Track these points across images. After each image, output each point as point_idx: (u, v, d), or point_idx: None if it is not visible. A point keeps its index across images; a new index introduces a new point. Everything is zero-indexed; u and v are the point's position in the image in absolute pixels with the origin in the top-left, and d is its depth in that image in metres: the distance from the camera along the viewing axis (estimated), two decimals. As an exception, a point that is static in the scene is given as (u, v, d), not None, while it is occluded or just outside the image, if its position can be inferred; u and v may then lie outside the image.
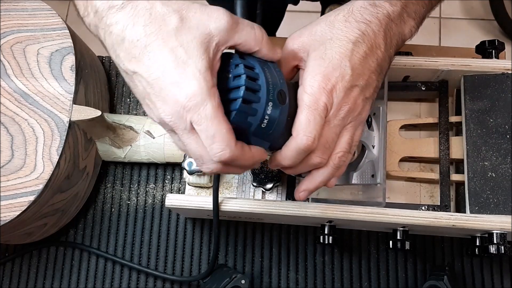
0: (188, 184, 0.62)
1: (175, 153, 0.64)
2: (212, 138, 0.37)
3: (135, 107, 0.72)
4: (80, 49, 0.63)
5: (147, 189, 0.69)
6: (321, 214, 0.55)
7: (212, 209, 0.56)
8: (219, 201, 0.56)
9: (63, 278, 0.67)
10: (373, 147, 0.55)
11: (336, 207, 0.55)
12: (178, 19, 0.37)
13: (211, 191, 0.63)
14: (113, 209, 0.69)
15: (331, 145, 0.43)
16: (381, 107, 0.56)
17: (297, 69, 0.45)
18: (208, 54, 0.37)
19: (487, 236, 0.55)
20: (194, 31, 0.37)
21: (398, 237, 0.57)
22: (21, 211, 0.55)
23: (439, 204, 0.58)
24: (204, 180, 0.60)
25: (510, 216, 0.53)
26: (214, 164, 0.39)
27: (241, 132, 0.39)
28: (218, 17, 0.38)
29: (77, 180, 0.62)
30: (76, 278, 0.66)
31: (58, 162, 0.57)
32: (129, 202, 0.69)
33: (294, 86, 0.43)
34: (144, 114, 0.72)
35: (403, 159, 0.62)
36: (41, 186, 0.56)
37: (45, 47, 0.61)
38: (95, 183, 0.68)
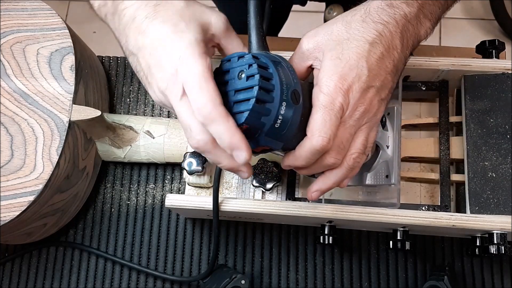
0: (188, 184, 0.62)
1: (175, 153, 0.64)
2: (198, 94, 0.38)
3: (135, 107, 0.72)
4: (80, 49, 0.63)
5: (147, 189, 0.69)
6: (321, 214, 0.55)
7: (212, 209, 0.56)
8: (219, 201, 0.56)
9: (63, 278, 0.67)
10: (388, 147, 0.54)
11: (336, 207, 0.55)
12: (185, 3, 0.42)
13: (211, 191, 0.63)
14: (113, 209, 0.69)
15: (346, 146, 0.43)
16: (395, 107, 0.55)
17: (311, 69, 0.45)
18: (204, 34, 0.42)
19: (487, 236, 0.54)
20: (197, 14, 0.42)
21: (398, 237, 0.56)
22: (21, 211, 0.55)
23: (439, 204, 0.58)
24: (204, 180, 0.60)
25: (510, 216, 0.53)
26: (201, 134, 0.39)
27: (254, 132, 0.39)
28: (220, 16, 0.43)
29: (77, 180, 0.62)
30: (76, 278, 0.66)
31: (58, 162, 0.57)
32: (129, 202, 0.69)
33: (307, 86, 0.43)
34: (144, 114, 0.72)
35: (403, 159, 0.62)
36: (40, 186, 0.56)
37: (45, 47, 0.61)
38: (95, 183, 0.68)
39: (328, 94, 0.40)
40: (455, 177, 0.60)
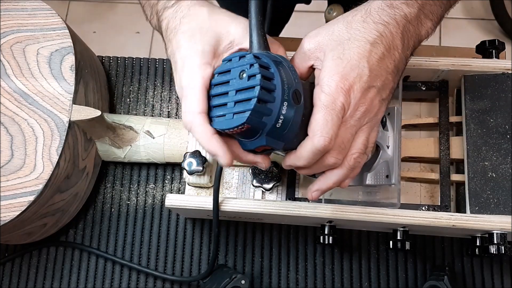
0: (188, 184, 0.62)
1: (175, 153, 0.64)
2: (183, 102, 0.43)
3: (135, 107, 0.72)
4: (79, 49, 0.63)
5: (147, 189, 0.69)
6: (321, 214, 0.55)
7: (212, 209, 0.56)
8: (219, 201, 0.56)
9: (63, 278, 0.67)
10: (388, 147, 0.54)
11: (336, 207, 0.55)
12: (208, 14, 0.45)
13: (211, 191, 0.63)
14: (113, 209, 0.69)
15: (347, 146, 0.43)
16: (395, 107, 0.56)
17: (312, 69, 0.45)
18: (217, 44, 0.44)
19: (487, 236, 0.54)
20: (215, 24, 0.45)
21: (398, 237, 0.56)
22: (21, 211, 0.55)
23: (439, 204, 0.58)
24: (204, 180, 0.60)
25: (510, 216, 0.53)
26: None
27: (256, 132, 0.39)
28: (239, 23, 0.45)
29: (77, 180, 0.62)
30: (76, 278, 0.66)
31: (58, 162, 0.57)
32: (129, 202, 0.69)
33: (308, 86, 0.43)
34: (144, 114, 0.72)
35: (403, 159, 0.62)
36: (40, 186, 0.56)
37: (45, 47, 0.61)
38: (95, 183, 0.68)
39: (330, 94, 0.40)
40: (455, 177, 0.60)
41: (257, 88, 0.37)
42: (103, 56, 0.75)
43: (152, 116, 0.72)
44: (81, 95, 0.61)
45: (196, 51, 0.44)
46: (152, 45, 1.67)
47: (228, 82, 0.41)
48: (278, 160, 0.60)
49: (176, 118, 0.71)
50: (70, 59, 0.60)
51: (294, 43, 0.63)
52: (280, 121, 0.39)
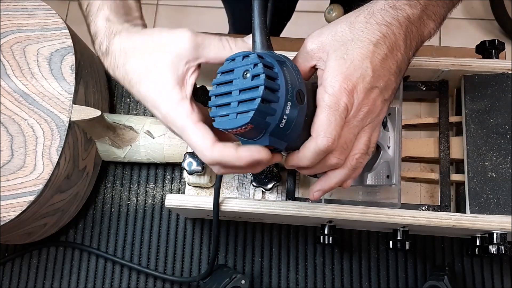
0: (188, 184, 0.62)
1: (175, 153, 0.64)
2: (191, 145, 0.42)
3: (135, 107, 0.72)
4: (80, 49, 0.63)
5: (147, 189, 0.69)
6: (321, 214, 0.55)
7: (212, 209, 0.56)
8: (219, 201, 0.56)
9: (63, 278, 0.67)
10: (389, 147, 0.54)
11: (336, 207, 0.55)
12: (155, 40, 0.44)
13: (211, 191, 0.63)
14: (113, 209, 0.69)
15: (349, 146, 0.43)
16: (396, 108, 0.56)
17: (314, 69, 0.45)
18: (176, 72, 0.43)
19: (487, 236, 0.54)
20: (163, 49, 0.43)
21: (398, 237, 0.57)
22: (21, 211, 0.55)
23: (439, 204, 0.58)
24: (204, 180, 0.60)
25: (510, 216, 0.53)
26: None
27: (259, 132, 0.39)
28: (184, 38, 0.43)
29: (77, 180, 0.62)
30: (76, 278, 0.66)
31: (58, 162, 0.57)
32: (129, 202, 0.69)
33: (311, 86, 0.43)
34: (144, 114, 0.72)
35: (403, 159, 0.62)
36: (41, 186, 0.56)
37: (45, 47, 0.61)
38: (95, 183, 0.68)
39: (333, 94, 0.40)
40: (455, 177, 0.60)
41: (261, 88, 0.37)
42: (103, 56, 0.74)
43: (152, 116, 0.72)
44: (81, 95, 0.61)
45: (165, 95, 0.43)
46: (152, 45, 1.66)
47: (231, 81, 0.40)
48: (278, 160, 0.60)
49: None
50: (70, 59, 0.60)
51: (293, 44, 0.63)
52: (284, 121, 0.39)
